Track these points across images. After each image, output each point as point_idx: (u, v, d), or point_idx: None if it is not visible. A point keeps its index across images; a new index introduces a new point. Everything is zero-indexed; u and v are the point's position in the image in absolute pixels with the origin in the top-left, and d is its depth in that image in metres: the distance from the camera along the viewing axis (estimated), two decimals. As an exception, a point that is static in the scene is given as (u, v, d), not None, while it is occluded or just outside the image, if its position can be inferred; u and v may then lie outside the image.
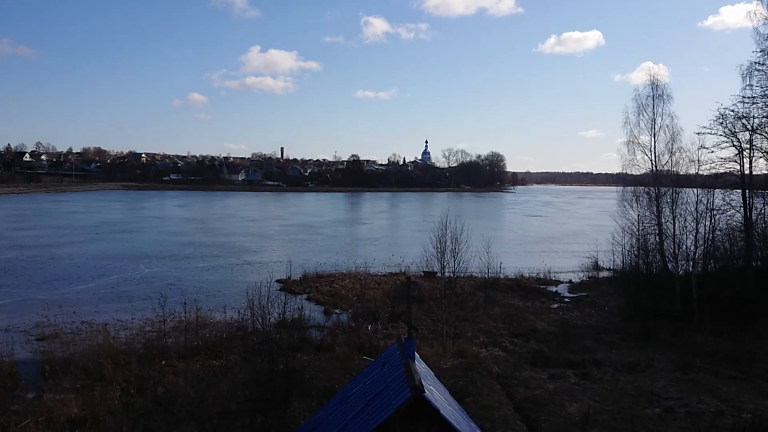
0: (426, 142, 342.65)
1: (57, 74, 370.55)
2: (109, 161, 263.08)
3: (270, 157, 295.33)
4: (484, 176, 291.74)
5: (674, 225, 35.76)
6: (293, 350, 20.76)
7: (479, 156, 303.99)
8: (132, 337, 28.95)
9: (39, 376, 23.11)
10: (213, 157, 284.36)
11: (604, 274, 50.98)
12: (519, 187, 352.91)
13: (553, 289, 45.94)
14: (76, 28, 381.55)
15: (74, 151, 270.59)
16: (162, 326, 29.45)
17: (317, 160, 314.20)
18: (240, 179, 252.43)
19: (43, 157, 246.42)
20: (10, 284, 42.65)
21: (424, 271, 41.10)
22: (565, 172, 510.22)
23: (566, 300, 42.10)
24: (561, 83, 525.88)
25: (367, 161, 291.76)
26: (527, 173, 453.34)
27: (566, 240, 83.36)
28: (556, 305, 40.17)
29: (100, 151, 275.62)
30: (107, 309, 35.38)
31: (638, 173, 40.57)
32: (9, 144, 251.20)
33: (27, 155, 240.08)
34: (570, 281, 48.96)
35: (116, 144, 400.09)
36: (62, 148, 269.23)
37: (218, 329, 29.91)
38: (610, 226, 44.72)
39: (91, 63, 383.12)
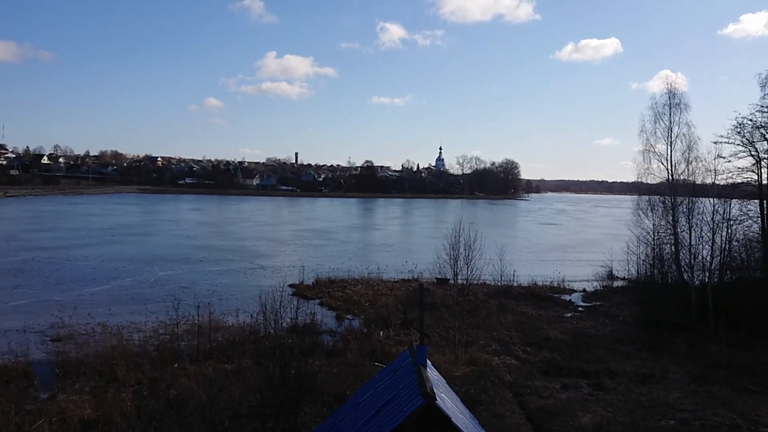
0: (440, 148, 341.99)
1: (75, 78, 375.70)
2: (125, 164, 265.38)
3: (284, 162, 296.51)
4: (498, 183, 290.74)
5: (690, 235, 35.42)
6: (305, 355, 20.74)
7: (493, 163, 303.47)
8: (145, 339, 29.12)
9: (53, 377, 23.31)
10: (228, 162, 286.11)
11: (618, 283, 50.55)
12: (533, 195, 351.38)
13: (567, 297, 45.62)
14: (95, 33, 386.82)
15: (91, 154, 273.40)
16: (175, 329, 29.62)
17: (331, 166, 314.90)
18: (254, 184, 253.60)
19: (61, 159, 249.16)
20: (27, 285, 43.12)
21: (436, 278, 40.98)
22: (580, 180, 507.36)
23: (580, 309, 41.78)
24: (577, 91, 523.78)
25: (381, 167, 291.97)
26: (542, 181, 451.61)
27: (580, 248, 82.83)
28: (569, 314, 39.88)
29: (116, 155, 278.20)
30: (121, 311, 35.65)
31: (654, 182, 40.28)
32: (28, 146, 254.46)
33: (45, 158, 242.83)
34: (584, 290, 48.59)
35: (133, 147, 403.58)
36: (80, 151, 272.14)
37: (231, 333, 30.01)
38: (625, 235, 44.42)
39: (110, 67, 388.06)
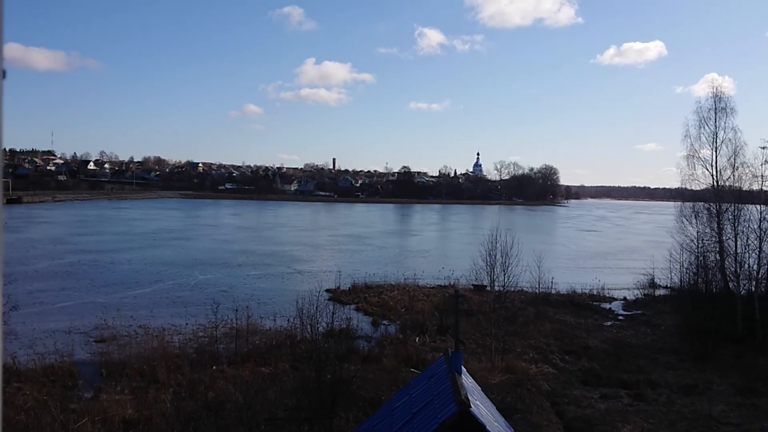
0: (477, 154, 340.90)
1: (121, 86, 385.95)
2: (167, 170, 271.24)
3: (322, 168, 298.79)
4: (537, 189, 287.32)
5: (736, 243, 34.38)
6: (341, 360, 20.88)
7: (532, 169, 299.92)
8: (185, 341, 29.67)
9: (97, 377, 23.94)
10: (267, 168, 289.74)
11: (660, 292, 49.30)
12: (572, 201, 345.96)
13: (607, 306, 44.74)
14: (138, 43, 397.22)
15: (135, 160, 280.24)
16: (214, 332, 30.11)
17: (368, 171, 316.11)
18: (292, 189, 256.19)
19: (106, 165, 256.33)
20: (72, 287, 44.41)
21: (473, 285, 40.69)
22: (621, 186, 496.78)
23: (620, 318, 40.93)
24: (619, 95, 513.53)
25: (418, 173, 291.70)
26: (581, 187, 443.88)
27: (621, 256, 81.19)
28: (609, 323, 39.11)
29: (159, 161, 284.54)
30: (162, 314, 36.41)
31: (698, 188, 39.16)
32: (75, 153, 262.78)
33: (91, 164, 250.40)
34: (624, 298, 47.58)
35: (175, 154, 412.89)
36: (124, 157, 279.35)
37: (268, 336, 30.36)
38: (668, 242, 43.31)
39: (153, 75, 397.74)
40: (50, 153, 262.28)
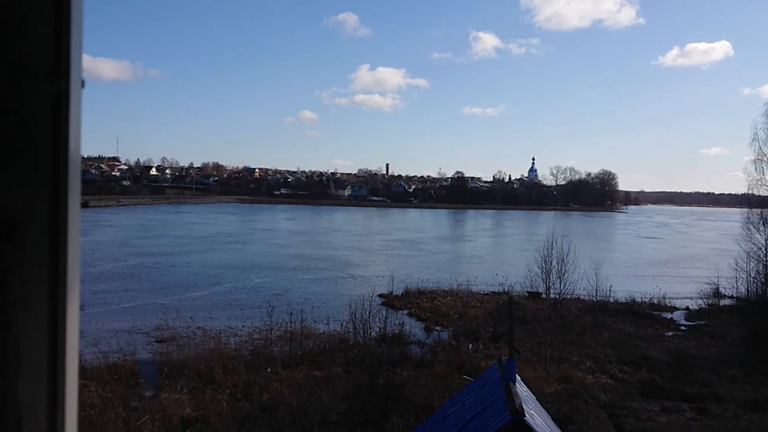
0: (533, 159, 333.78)
1: (182, 94, 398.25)
2: (225, 176, 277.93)
3: (375, 173, 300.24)
4: (594, 195, 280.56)
5: (808, 251, 32.69)
6: (393, 365, 20.89)
7: (589, 174, 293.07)
8: (241, 343, 30.29)
9: (157, 376, 24.71)
10: (321, 173, 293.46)
11: (725, 301, 47.30)
12: (632, 207, 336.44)
13: (668, 315, 43.20)
14: (198, 52, 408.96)
15: (195, 165, 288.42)
16: (269, 335, 30.64)
17: (422, 177, 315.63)
18: (346, 194, 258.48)
19: (167, 171, 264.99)
20: (135, 289, 46.01)
21: (528, 292, 40.05)
22: (684, 191, 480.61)
23: (682, 328, 39.47)
24: (682, 97, 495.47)
25: (472, 178, 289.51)
26: (641, 192, 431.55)
27: (683, 264, 78.35)
28: (670, 333, 37.77)
29: (218, 166, 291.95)
30: (219, 316, 37.28)
31: (766, 194, 37.52)
32: (138, 159, 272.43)
33: (153, 169, 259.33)
34: (687, 308, 45.86)
35: (233, 159, 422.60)
36: (184, 162, 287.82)
37: (321, 340, 30.66)
38: (733, 250, 41.62)
39: (212, 83, 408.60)
40: (115, 159, 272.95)
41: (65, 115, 0.88)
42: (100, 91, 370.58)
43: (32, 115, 0.86)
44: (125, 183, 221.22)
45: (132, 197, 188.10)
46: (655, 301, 46.51)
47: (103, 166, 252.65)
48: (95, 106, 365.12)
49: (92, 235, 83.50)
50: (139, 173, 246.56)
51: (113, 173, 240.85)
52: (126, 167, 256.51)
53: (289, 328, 31.22)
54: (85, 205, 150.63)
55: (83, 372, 24.11)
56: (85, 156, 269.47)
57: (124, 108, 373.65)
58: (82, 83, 0.93)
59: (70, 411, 0.93)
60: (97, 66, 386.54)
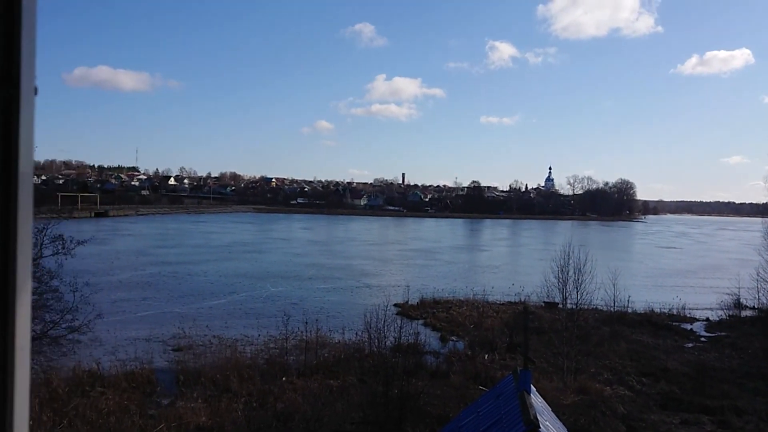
0: (549, 168, 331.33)
1: (199, 105, 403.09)
2: (242, 185, 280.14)
3: (391, 183, 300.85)
4: (612, 204, 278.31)
5: (832, 261, 32.12)
6: (408, 375, 20.82)
7: (607, 183, 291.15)
8: (257, 352, 30.37)
9: (173, 384, 24.85)
10: (337, 182, 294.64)
11: (747, 313, 46.53)
12: (650, 217, 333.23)
13: (688, 326, 42.60)
14: (217, 63, 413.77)
15: (212, 175, 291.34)
16: (284, 344, 30.72)
17: (437, 186, 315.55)
18: (362, 204, 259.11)
19: (185, 180, 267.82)
20: (153, 297, 46.39)
21: (544, 302, 39.75)
22: (703, 201, 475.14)
23: (702, 339, 38.89)
24: (701, 106, 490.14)
25: (488, 187, 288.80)
26: (660, 202, 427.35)
27: (703, 274, 77.30)
28: (690, 344, 37.23)
29: (235, 176, 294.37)
30: (236, 324, 37.43)
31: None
32: (157, 168, 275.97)
33: (172, 179, 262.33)
34: (707, 319, 45.19)
35: (250, 169, 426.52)
36: (202, 172, 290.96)
37: (336, 349, 30.63)
38: (755, 260, 41.06)
39: (229, 94, 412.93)
40: (134, 169, 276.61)
41: (15, 123, 0.89)
42: (120, 102, 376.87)
43: None
44: (144, 192, 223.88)
45: (151, 207, 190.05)
46: (675, 312, 45.90)
47: (122, 176, 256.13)
48: (115, 117, 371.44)
49: (111, 244, 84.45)
50: (157, 183, 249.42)
51: (133, 183, 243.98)
52: (145, 177, 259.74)
53: (304, 337, 31.26)
54: (104, 214, 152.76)
55: (100, 379, 24.33)
56: (105, 166, 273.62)
57: (143, 119, 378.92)
58: (35, 90, 0.94)
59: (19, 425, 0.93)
60: (117, 77, 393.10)
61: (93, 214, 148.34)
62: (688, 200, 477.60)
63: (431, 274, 66.44)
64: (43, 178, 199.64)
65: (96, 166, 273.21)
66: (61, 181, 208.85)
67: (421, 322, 40.24)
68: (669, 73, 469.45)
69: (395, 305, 43.64)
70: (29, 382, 0.96)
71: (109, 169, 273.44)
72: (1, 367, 0.88)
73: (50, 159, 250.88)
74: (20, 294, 0.89)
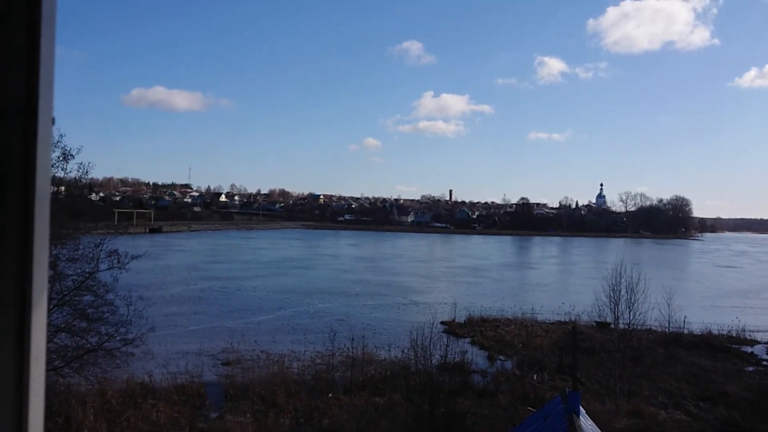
0: (601, 184, 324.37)
1: (250, 123, 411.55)
2: (291, 202, 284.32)
3: (438, 200, 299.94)
4: (667, 222, 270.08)
5: None
6: (454, 394, 20.59)
7: (661, 200, 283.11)
8: (303, 368, 30.57)
9: (222, 398, 25.23)
10: (384, 199, 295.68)
11: (813, 336, 44.31)
12: (708, 235, 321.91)
13: (748, 349, 40.78)
14: (266, 83, 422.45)
15: (262, 192, 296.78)
16: (331, 360, 30.80)
17: (485, 203, 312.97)
18: (409, 221, 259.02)
19: (236, 197, 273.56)
20: (204, 312, 47.33)
21: (596, 321, 38.79)
22: (764, 219, 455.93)
23: (764, 362, 37.16)
24: (762, 119, 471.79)
25: (537, 204, 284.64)
26: (717, 219, 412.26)
27: (765, 295, 74.03)
28: (751, 368, 35.62)
29: (284, 193, 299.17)
30: (283, 340, 37.81)
31: None
32: (209, 186, 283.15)
33: (223, 196, 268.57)
34: (769, 342, 43.22)
35: (298, 186, 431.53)
36: (252, 189, 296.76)
37: (382, 367, 30.55)
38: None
39: (279, 113, 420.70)
40: (187, 186, 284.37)
41: (33, 150, 0.95)
42: (174, 121, 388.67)
43: (1, 152, 0.93)
44: (196, 209, 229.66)
45: (202, 223, 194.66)
46: (734, 334, 44.02)
47: (176, 193, 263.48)
48: (169, 136, 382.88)
49: (164, 259, 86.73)
50: (209, 200, 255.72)
51: (185, 200, 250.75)
52: (197, 194, 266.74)
53: (350, 354, 31.29)
54: (158, 230, 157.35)
55: (152, 392, 24.91)
56: (160, 183, 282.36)
57: (196, 137, 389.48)
58: (53, 121, 1.00)
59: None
60: (171, 97, 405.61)
61: (147, 230, 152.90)
62: (748, 218, 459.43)
63: (479, 292, 65.71)
64: (101, 194, 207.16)
65: (151, 183, 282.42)
66: (117, 198, 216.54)
67: (468, 340, 39.80)
68: (726, 86, 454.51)
69: (442, 323, 43.32)
70: (44, 393, 1.01)
71: (164, 186, 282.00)
72: (17, 376, 0.93)
73: (108, 176, 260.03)
74: (36, 307, 0.95)
